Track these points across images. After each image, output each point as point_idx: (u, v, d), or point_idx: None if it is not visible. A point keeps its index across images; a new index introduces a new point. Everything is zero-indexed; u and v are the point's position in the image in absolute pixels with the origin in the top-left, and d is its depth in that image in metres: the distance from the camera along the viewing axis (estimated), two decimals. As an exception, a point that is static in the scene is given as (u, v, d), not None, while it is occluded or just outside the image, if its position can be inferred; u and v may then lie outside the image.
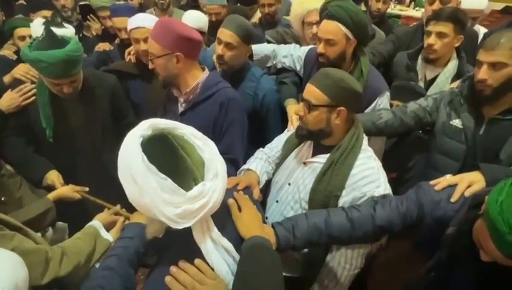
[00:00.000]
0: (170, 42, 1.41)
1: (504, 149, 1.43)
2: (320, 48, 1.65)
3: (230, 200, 0.99)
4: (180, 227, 0.78)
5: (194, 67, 1.53)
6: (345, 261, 1.26)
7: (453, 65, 1.87)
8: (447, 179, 1.12)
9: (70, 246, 1.17)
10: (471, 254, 0.94)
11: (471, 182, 1.06)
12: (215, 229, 0.87)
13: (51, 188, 1.61)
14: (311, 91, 1.22)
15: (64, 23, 2.17)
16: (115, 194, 1.72)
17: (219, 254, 0.86)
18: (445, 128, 1.56)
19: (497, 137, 1.44)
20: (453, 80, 1.85)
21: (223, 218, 0.94)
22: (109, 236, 1.33)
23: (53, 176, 1.65)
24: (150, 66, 1.51)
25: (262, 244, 0.91)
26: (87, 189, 1.60)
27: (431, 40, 1.80)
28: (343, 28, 1.60)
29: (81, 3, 2.94)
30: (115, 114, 1.84)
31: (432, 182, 1.13)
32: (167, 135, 0.80)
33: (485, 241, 0.86)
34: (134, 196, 0.77)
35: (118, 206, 1.47)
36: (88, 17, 2.82)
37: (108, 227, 1.38)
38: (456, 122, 1.53)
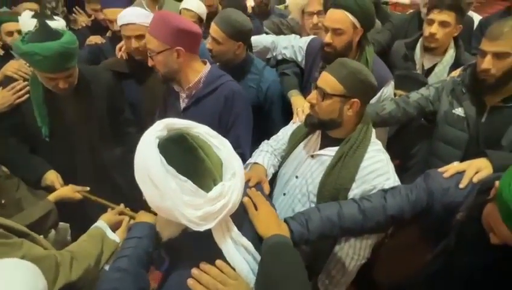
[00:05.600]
0: (170, 37, 1.36)
1: (506, 136, 1.45)
2: (328, 38, 1.62)
3: (246, 199, 0.98)
4: (202, 229, 0.76)
5: (195, 61, 1.49)
6: (353, 252, 1.27)
7: (450, 54, 1.87)
8: (455, 166, 1.14)
9: (78, 250, 1.13)
10: (480, 239, 0.96)
11: (478, 168, 1.08)
12: (235, 229, 0.86)
13: (50, 189, 1.57)
14: (327, 80, 1.19)
15: (53, 16, 2.09)
16: (116, 192, 1.69)
17: (239, 253, 0.85)
18: (448, 117, 1.58)
19: (498, 124, 1.46)
20: (451, 69, 1.86)
21: (240, 217, 0.92)
22: (116, 237, 1.30)
23: (52, 177, 1.60)
24: (150, 63, 1.44)
25: (284, 242, 0.90)
26: (88, 189, 1.56)
27: (433, 29, 1.78)
28: (351, 17, 1.57)
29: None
30: (112, 110, 1.78)
31: (440, 170, 1.15)
32: (185, 136, 0.78)
33: (497, 224, 0.88)
34: (154, 199, 0.75)
35: (122, 206, 1.43)
36: (74, 9, 2.70)
37: (114, 227, 1.34)
38: (458, 111, 1.54)
